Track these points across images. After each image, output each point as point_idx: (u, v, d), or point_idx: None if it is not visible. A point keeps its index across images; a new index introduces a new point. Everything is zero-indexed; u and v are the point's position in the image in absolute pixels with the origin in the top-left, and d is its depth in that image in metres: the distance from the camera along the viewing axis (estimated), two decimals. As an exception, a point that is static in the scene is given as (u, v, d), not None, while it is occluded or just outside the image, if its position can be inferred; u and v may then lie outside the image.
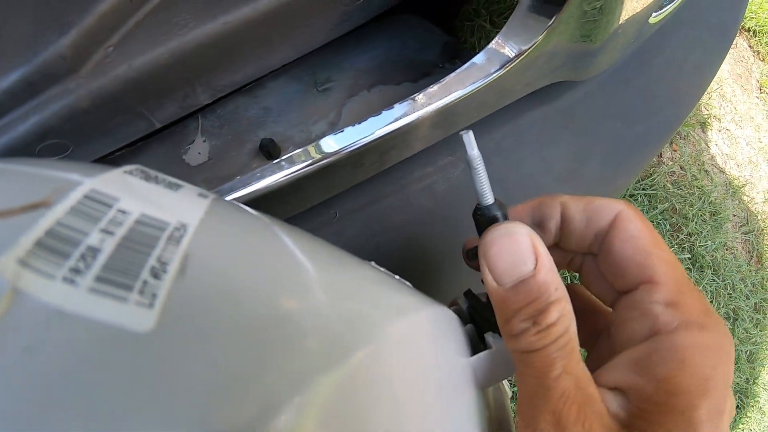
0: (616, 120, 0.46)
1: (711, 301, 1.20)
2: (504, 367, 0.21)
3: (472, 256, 0.23)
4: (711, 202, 1.25)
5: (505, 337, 0.18)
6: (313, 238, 0.18)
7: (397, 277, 0.23)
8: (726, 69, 1.47)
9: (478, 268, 0.26)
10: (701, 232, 1.21)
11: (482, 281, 0.26)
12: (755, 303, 1.28)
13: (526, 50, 0.31)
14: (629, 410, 0.17)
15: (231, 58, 0.31)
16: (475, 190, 0.21)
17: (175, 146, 0.35)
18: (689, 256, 1.19)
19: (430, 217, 0.38)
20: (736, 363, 1.21)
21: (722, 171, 1.34)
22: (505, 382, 0.33)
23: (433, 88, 0.31)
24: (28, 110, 0.26)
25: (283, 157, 0.28)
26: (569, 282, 0.39)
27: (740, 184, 1.35)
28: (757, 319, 1.27)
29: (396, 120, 0.30)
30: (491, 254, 0.18)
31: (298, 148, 0.29)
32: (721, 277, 1.22)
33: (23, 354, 0.08)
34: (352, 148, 0.29)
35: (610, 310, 0.21)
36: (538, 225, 0.23)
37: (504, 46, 0.31)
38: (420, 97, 0.30)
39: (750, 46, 1.57)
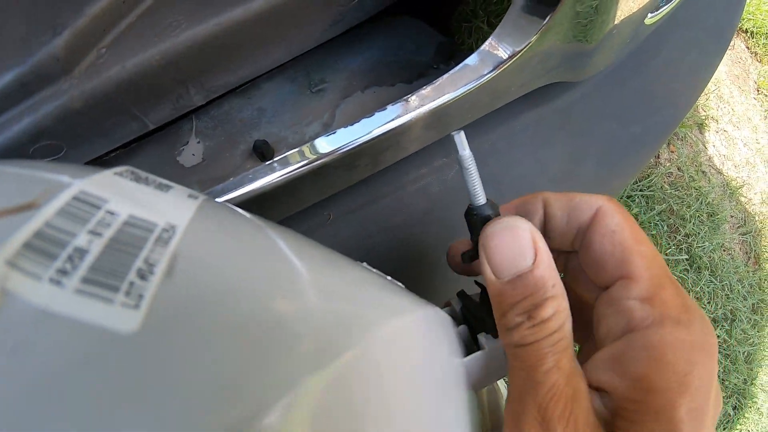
0: (612, 121, 0.46)
1: (708, 302, 1.20)
2: (497, 368, 0.21)
3: (467, 259, 0.23)
4: (708, 203, 1.25)
5: (500, 331, 0.18)
6: (304, 239, 0.18)
7: (389, 278, 0.23)
8: (724, 70, 1.48)
9: (465, 272, 0.26)
10: (699, 233, 1.21)
11: (474, 282, 0.26)
12: (753, 304, 1.28)
13: (519, 51, 0.31)
14: (612, 409, 0.17)
15: (224, 59, 0.31)
16: (468, 190, 0.21)
17: (169, 147, 0.35)
18: (687, 257, 1.19)
19: (425, 219, 0.38)
20: (734, 364, 1.22)
21: (720, 172, 1.35)
22: (502, 384, 0.33)
23: (426, 90, 0.31)
24: (21, 111, 0.26)
25: (277, 159, 0.29)
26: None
27: (738, 185, 1.35)
28: (755, 320, 1.27)
29: (389, 121, 0.30)
30: (491, 247, 0.18)
31: (292, 150, 0.29)
32: (718, 278, 1.22)
33: (10, 355, 0.08)
34: (345, 150, 0.29)
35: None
36: None
37: (497, 47, 0.31)
38: (413, 99, 0.30)
39: (748, 48, 1.57)
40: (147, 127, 0.32)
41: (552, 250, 0.23)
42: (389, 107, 0.30)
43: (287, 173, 0.28)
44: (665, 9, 0.43)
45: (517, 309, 0.17)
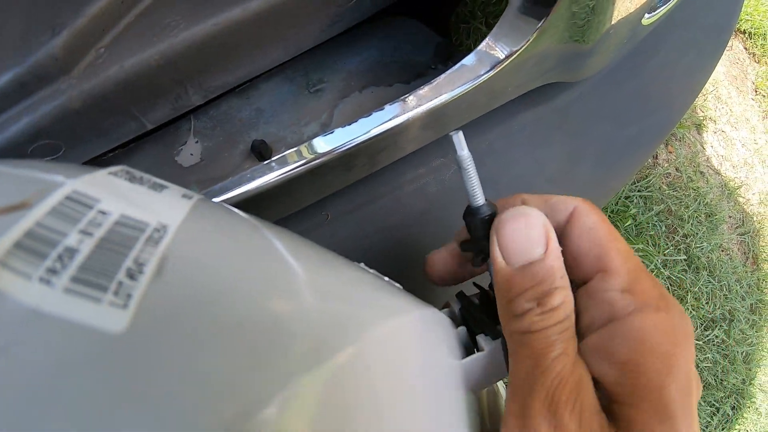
0: (610, 121, 0.46)
1: (707, 303, 1.21)
2: (497, 369, 0.21)
3: (467, 247, 0.23)
4: (707, 203, 1.25)
5: (505, 319, 0.18)
6: (301, 240, 0.18)
7: (386, 278, 0.23)
8: (722, 71, 1.48)
9: (444, 282, 0.26)
10: (697, 234, 1.21)
11: (473, 283, 0.26)
12: (751, 304, 1.28)
13: (516, 51, 0.31)
14: (606, 395, 0.17)
15: (223, 59, 0.31)
16: (466, 191, 0.21)
17: (167, 147, 0.35)
18: (685, 257, 1.19)
19: (423, 219, 0.38)
20: (733, 364, 1.22)
21: (718, 173, 1.35)
22: (501, 385, 0.33)
23: (424, 90, 0.31)
24: (19, 111, 0.26)
25: (275, 158, 0.29)
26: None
27: (736, 185, 1.36)
28: (753, 320, 1.27)
29: (386, 121, 0.30)
30: (504, 233, 0.19)
31: (290, 149, 0.29)
32: (716, 278, 1.22)
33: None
34: (343, 149, 0.29)
35: None
36: None
37: (494, 48, 0.31)
38: (410, 99, 0.31)
39: (745, 48, 1.57)
40: (145, 127, 0.32)
41: None
42: (387, 107, 0.30)
43: (285, 173, 0.28)
44: (662, 9, 0.43)
45: (527, 295, 0.17)
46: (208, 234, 0.13)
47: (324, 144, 0.29)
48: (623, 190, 1.12)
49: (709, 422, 1.18)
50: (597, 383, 0.18)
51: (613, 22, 0.36)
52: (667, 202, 1.19)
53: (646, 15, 0.41)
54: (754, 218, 1.37)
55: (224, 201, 0.28)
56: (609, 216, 1.09)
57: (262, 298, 0.13)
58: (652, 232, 1.15)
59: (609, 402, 0.17)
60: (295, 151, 0.29)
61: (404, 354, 0.17)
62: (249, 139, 0.36)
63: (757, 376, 1.27)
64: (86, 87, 0.27)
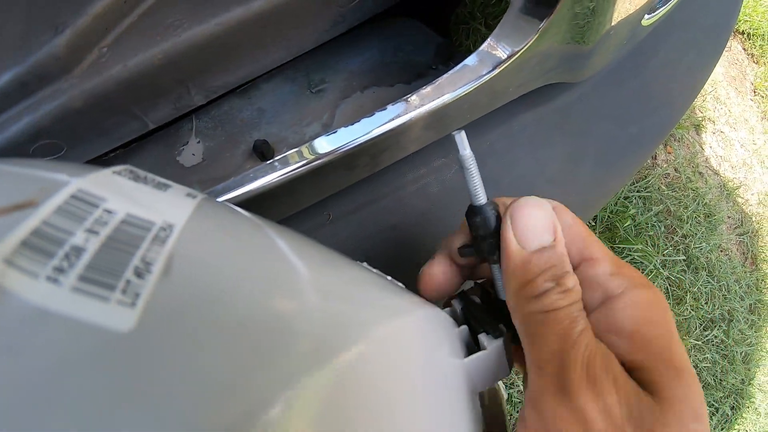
0: (610, 121, 0.46)
1: (706, 303, 1.21)
2: (499, 368, 0.21)
3: (466, 251, 0.23)
4: (705, 204, 1.26)
5: (521, 302, 0.19)
6: (304, 239, 0.18)
7: (389, 278, 0.23)
8: (720, 71, 1.48)
9: (439, 296, 0.26)
10: (696, 234, 1.21)
11: (474, 283, 0.26)
12: (750, 304, 1.29)
13: (518, 52, 0.31)
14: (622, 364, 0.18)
15: (225, 59, 0.31)
16: (468, 190, 0.21)
17: (169, 147, 0.35)
18: (684, 257, 1.19)
19: (424, 218, 0.38)
20: (732, 364, 1.22)
21: (717, 173, 1.35)
22: (501, 385, 0.33)
23: (426, 90, 0.31)
24: (21, 110, 0.26)
25: (277, 158, 0.29)
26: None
27: (735, 186, 1.36)
28: (752, 320, 1.28)
29: (388, 121, 0.30)
30: (519, 216, 0.19)
31: (292, 149, 0.29)
32: (716, 278, 1.23)
33: (6, 353, 0.08)
34: (345, 149, 0.29)
35: None
36: None
37: (496, 48, 0.32)
38: (412, 99, 0.31)
39: (744, 49, 1.58)
40: (147, 127, 0.31)
41: None
42: (389, 107, 0.30)
43: (287, 173, 0.28)
44: (662, 10, 0.43)
45: (546, 275, 0.18)
46: (213, 233, 0.13)
47: (326, 144, 0.29)
48: (622, 191, 1.12)
49: (709, 422, 1.18)
50: None
51: (613, 23, 0.36)
52: (666, 202, 1.19)
53: (646, 16, 0.41)
54: (753, 218, 1.37)
55: (226, 201, 0.28)
56: (608, 216, 1.10)
57: (266, 298, 0.13)
58: (651, 233, 1.15)
59: (626, 370, 0.18)
60: (296, 151, 0.29)
61: (407, 353, 0.17)
62: (251, 139, 0.36)
63: (756, 377, 1.27)
64: (88, 86, 0.27)
